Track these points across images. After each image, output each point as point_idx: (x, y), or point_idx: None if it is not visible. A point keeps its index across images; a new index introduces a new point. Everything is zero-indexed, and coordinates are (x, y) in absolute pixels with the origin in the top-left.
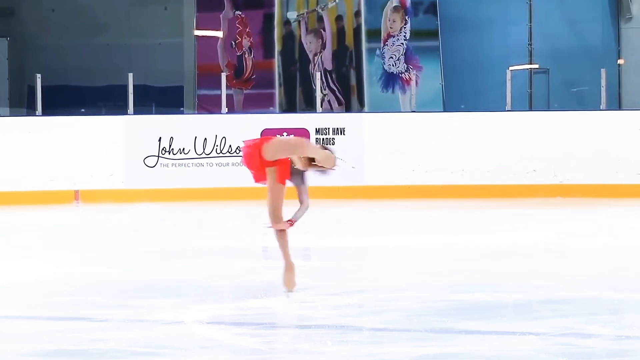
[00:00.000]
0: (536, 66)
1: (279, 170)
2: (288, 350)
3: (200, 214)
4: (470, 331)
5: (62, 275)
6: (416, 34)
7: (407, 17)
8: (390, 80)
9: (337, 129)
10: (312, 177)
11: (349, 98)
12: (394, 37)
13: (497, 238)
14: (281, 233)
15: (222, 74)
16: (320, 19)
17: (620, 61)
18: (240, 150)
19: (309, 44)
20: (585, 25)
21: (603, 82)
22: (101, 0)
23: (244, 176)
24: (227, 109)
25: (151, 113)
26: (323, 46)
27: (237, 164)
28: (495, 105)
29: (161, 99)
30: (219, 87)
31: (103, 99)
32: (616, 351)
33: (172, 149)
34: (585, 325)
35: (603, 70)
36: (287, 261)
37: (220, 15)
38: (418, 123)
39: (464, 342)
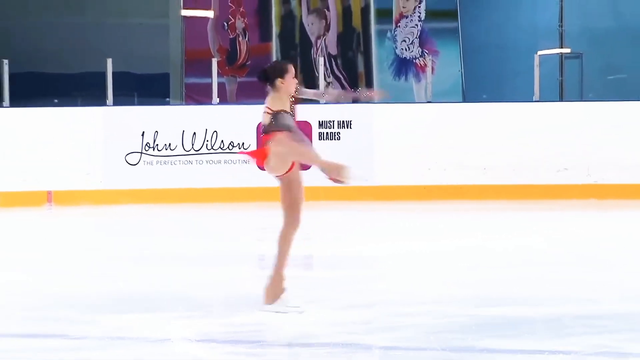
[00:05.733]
0: (568, 50)
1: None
2: None
3: (188, 217)
4: (493, 350)
5: (30, 287)
6: (432, 14)
7: None
8: (403, 66)
9: (343, 121)
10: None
11: (356, 87)
12: (407, 17)
13: (523, 244)
14: (289, 239)
15: (213, 59)
16: None
17: None
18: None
19: (311, 25)
20: (625, 1)
21: None
22: None
23: (237, 175)
24: (218, 99)
25: (133, 104)
26: (327, 28)
27: (229, 162)
28: (522, 94)
29: (144, 88)
30: (210, 75)
31: (78, 88)
32: None
33: (157, 144)
34: (623, 343)
35: None
36: (280, 273)
37: None
38: (434, 115)
39: None
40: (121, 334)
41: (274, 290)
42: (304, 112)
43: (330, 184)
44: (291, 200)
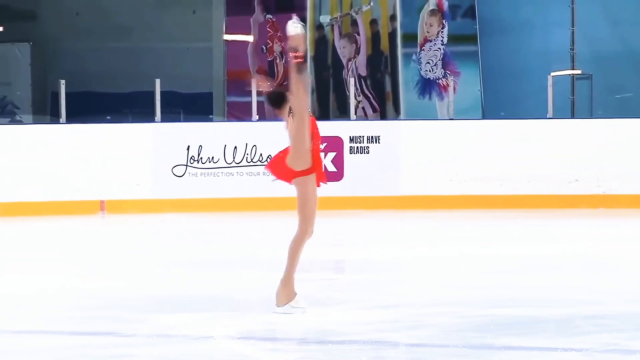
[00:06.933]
0: (579, 72)
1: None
2: None
3: (230, 224)
4: (510, 347)
5: (85, 288)
6: (454, 39)
7: (444, 21)
8: (427, 86)
9: (372, 137)
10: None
11: (384, 105)
12: (430, 41)
13: (537, 250)
14: (299, 245)
15: (253, 80)
16: (354, 23)
17: None
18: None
19: (343, 48)
20: (630, 28)
21: None
22: (127, 3)
23: (275, 186)
24: (257, 116)
25: (179, 120)
26: (357, 51)
27: (268, 174)
28: (536, 112)
29: (189, 105)
30: (249, 94)
31: (129, 106)
32: None
33: (201, 157)
34: (629, 341)
35: None
36: (291, 277)
37: (251, 19)
38: (456, 131)
39: (503, 359)
40: (168, 332)
41: (286, 293)
42: (335, 128)
43: (358, 193)
44: (299, 208)
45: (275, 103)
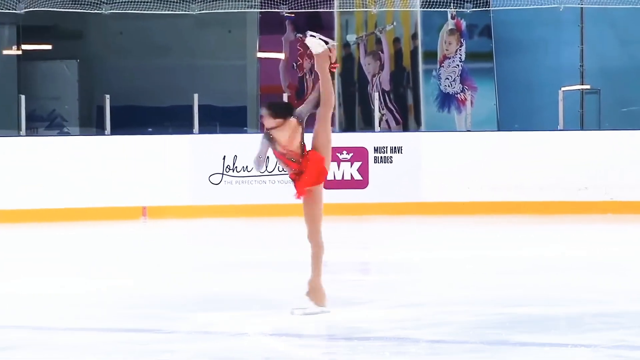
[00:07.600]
0: (587, 87)
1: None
2: None
3: (262, 229)
4: (524, 343)
5: (129, 289)
6: (471, 56)
7: (462, 40)
8: (446, 100)
9: (395, 147)
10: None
11: (406, 118)
12: (449, 58)
13: (549, 252)
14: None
15: (284, 94)
16: (378, 41)
17: None
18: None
19: (368, 65)
20: (637, 45)
21: None
22: (167, 24)
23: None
24: None
25: (216, 132)
26: (381, 67)
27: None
28: (548, 124)
29: (225, 118)
30: None
31: (169, 119)
32: None
33: (236, 166)
34: (636, 337)
35: None
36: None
37: (282, 38)
38: (473, 142)
39: (518, 354)
40: (206, 329)
41: (320, 294)
42: (361, 139)
43: (382, 199)
44: (306, 216)
45: (281, 113)
